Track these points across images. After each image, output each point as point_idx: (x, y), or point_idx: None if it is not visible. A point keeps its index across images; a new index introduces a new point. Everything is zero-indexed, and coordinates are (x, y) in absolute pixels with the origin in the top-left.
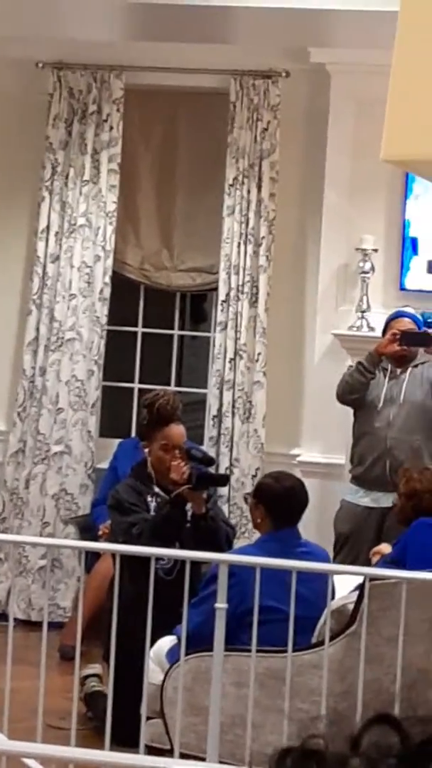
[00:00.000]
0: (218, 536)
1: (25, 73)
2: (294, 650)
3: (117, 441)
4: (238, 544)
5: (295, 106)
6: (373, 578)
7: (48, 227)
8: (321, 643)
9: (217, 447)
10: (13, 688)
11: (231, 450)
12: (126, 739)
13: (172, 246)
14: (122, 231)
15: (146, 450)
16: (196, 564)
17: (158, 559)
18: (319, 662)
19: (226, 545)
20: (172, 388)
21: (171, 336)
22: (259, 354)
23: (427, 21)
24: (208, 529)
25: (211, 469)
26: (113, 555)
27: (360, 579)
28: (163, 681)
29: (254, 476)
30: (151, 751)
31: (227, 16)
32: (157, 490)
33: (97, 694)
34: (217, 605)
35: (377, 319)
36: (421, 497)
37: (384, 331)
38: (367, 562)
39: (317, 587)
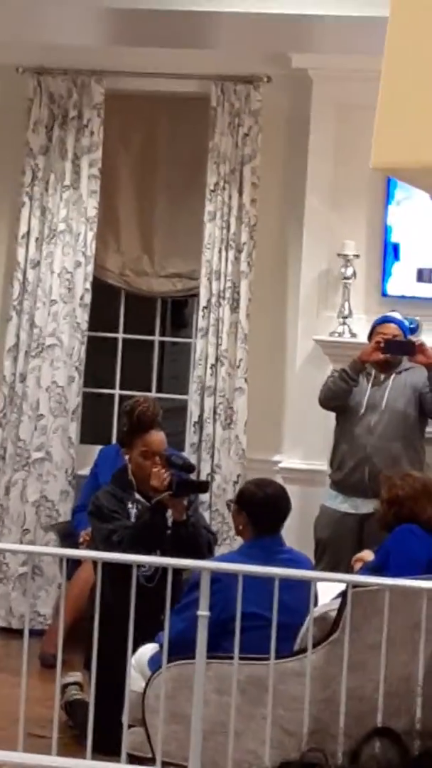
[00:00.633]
0: (199, 543)
1: (5, 79)
2: (276, 657)
3: (98, 447)
4: (219, 550)
5: (277, 111)
6: (355, 585)
7: (28, 233)
8: (303, 650)
9: (199, 453)
10: None
11: (212, 456)
12: (107, 747)
13: (153, 252)
14: (103, 237)
15: (126, 457)
16: (177, 571)
17: (139, 566)
18: (302, 669)
19: (207, 552)
20: (153, 394)
21: (152, 342)
22: (240, 360)
23: (417, 27)
24: (189, 535)
25: (192, 476)
26: (94, 562)
27: (343, 586)
28: (145, 689)
29: (236, 482)
30: (133, 759)
31: (208, 22)
32: (137, 496)
33: (78, 703)
34: (200, 612)
35: (359, 325)
36: (403, 503)
37: (370, 336)
38: (349, 569)
39: (300, 594)
